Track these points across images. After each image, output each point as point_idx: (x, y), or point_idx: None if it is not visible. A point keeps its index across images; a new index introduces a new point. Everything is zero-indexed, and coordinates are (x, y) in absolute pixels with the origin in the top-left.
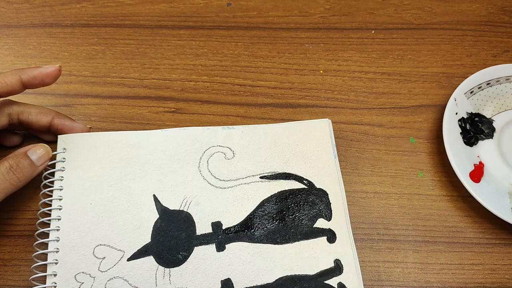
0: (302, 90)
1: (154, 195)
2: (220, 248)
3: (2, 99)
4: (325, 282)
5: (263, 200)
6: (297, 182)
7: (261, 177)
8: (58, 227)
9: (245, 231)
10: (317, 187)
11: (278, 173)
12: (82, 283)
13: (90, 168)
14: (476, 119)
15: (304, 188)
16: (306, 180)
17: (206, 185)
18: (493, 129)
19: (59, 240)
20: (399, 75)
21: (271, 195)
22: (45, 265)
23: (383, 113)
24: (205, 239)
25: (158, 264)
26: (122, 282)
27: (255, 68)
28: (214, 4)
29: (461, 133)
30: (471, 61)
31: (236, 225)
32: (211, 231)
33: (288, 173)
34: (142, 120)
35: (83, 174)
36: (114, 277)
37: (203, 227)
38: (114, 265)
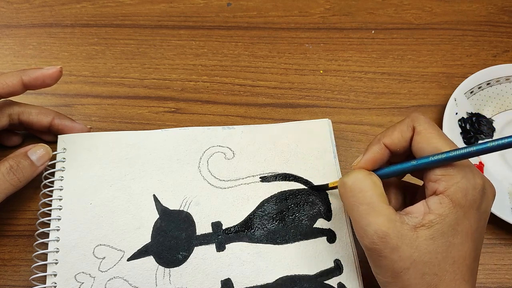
0: (302, 90)
1: (154, 195)
2: (220, 248)
3: (3, 99)
4: (325, 282)
5: (263, 201)
6: (297, 182)
7: (261, 177)
8: (58, 227)
9: (245, 231)
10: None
11: (278, 174)
12: (82, 283)
13: (90, 168)
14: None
15: (304, 188)
16: (306, 180)
17: (206, 185)
18: (493, 129)
19: (59, 240)
20: (399, 75)
21: (271, 196)
22: (45, 265)
23: (383, 113)
24: (205, 239)
25: (158, 264)
26: (122, 282)
27: (255, 68)
28: (214, 4)
29: (461, 133)
30: (471, 61)
31: (236, 225)
32: (211, 231)
33: (288, 173)
34: (142, 120)
35: (83, 174)
36: (114, 277)
37: (203, 227)
38: (114, 265)
